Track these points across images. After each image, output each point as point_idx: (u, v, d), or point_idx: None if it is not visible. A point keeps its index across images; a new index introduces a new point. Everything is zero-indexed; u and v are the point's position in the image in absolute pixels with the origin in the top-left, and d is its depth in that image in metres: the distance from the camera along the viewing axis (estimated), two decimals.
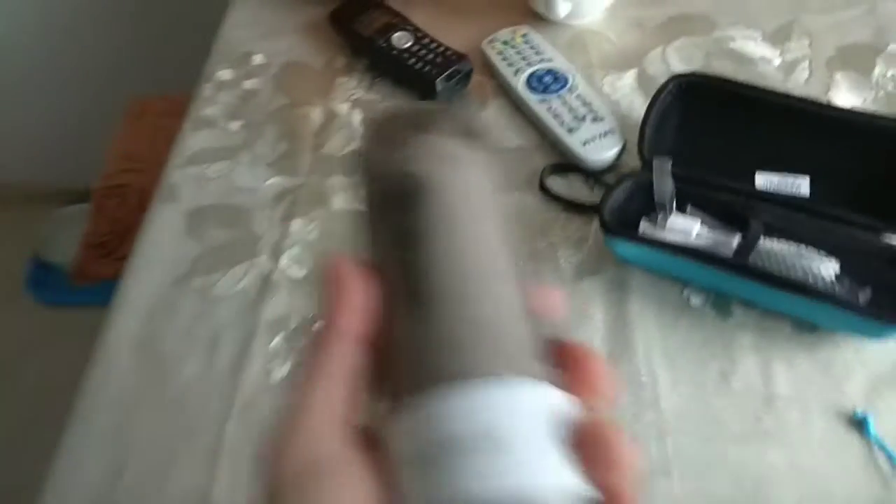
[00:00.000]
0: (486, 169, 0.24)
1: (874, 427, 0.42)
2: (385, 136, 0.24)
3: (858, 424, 0.43)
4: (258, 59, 0.70)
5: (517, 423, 0.19)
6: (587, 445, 0.19)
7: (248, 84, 0.68)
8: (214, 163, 0.62)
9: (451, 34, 0.65)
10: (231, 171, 0.61)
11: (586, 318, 0.49)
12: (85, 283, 1.17)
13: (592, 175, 0.56)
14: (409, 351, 0.21)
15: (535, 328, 0.22)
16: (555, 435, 0.19)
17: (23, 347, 1.53)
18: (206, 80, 0.69)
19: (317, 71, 0.68)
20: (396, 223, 0.23)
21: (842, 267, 0.45)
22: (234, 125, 0.65)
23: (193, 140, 0.64)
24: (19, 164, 1.63)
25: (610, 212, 0.49)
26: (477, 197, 0.23)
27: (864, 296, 0.44)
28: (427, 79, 0.61)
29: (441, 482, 0.18)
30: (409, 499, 0.19)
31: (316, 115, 0.64)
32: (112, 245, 1.14)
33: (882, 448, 0.42)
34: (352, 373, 0.22)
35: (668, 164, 0.51)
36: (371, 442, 0.21)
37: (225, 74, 0.69)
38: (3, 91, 1.46)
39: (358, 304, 0.22)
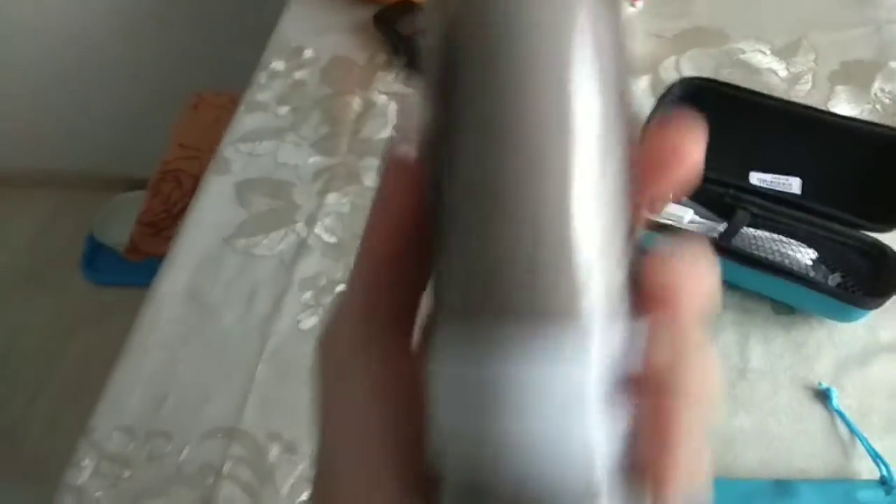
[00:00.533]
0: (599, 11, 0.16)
1: (838, 400, 0.46)
2: None
3: (823, 397, 0.47)
4: (308, 52, 0.77)
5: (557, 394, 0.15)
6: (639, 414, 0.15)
7: (298, 74, 0.75)
8: (263, 141, 0.69)
9: None
10: (277, 149, 0.68)
11: None
12: (137, 258, 1.26)
13: None
14: (449, 269, 0.16)
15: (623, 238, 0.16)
16: (601, 403, 0.15)
17: (74, 324, 1.62)
18: (262, 70, 0.77)
19: (360, 65, 0.75)
20: (442, 98, 0.17)
21: (818, 256, 0.50)
22: (283, 109, 0.72)
23: (246, 121, 0.72)
24: (85, 152, 1.75)
25: None
26: (570, 55, 0.15)
27: (834, 281, 0.48)
28: None
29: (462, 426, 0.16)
30: (433, 427, 0.16)
31: (356, 103, 0.71)
32: (164, 224, 1.23)
33: (842, 418, 0.46)
34: (385, 291, 0.18)
35: None
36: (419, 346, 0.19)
37: (278, 65, 0.77)
38: (76, 85, 1.58)
39: (399, 213, 0.18)
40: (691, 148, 0.16)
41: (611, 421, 0.15)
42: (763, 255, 0.49)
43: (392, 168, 0.18)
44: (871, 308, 0.46)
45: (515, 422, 0.15)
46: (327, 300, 0.56)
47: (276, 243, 0.61)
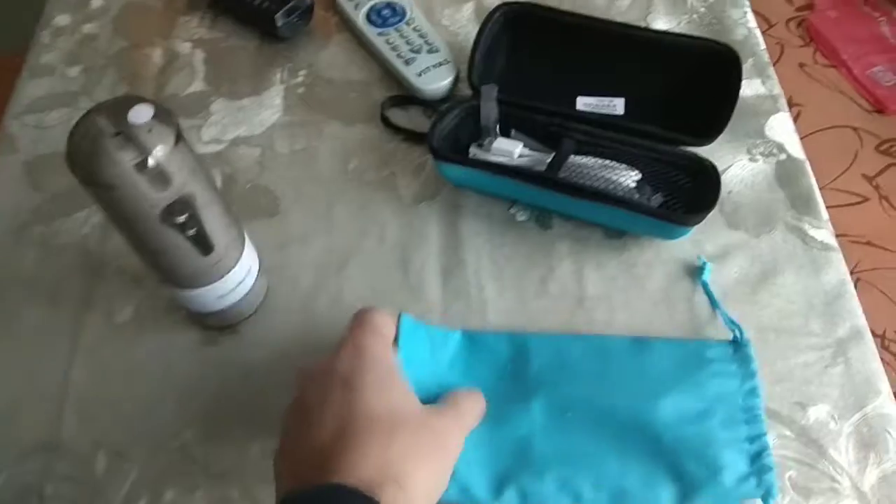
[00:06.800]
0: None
1: None
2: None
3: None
4: (96, 2, 0.68)
5: None
6: None
7: (87, 28, 0.66)
8: (53, 110, 0.61)
9: None
10: (71, 118, 0.60)
11: (423, 239, 0.52)
12: None
13: (430, 105, 0.58)
14: None
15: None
16: None
17: None
18: (43, 28, 0.67)
19: (157, 11, 0.67)
20: None
21: (643, 177, 0.49)
22: (73, 70, 0.63)
23: (31, 88, 0.63)
24: None
25: (439, 138, 0.52)
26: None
27: (657, 201, 0.49)
28: (267, 15, 0.61)
29: None
30: None
31: (157, 56, 0.63)
32: None
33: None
34: None
35: (494, 91, 0.53)
36: None
37: (62, 20, 0.67)
38: None
39: None
40: None
41: None
42: (589, 182, 0.49)
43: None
44: (691, 224, 0.46)
45: None
46: (140, 290, 0.51)
47: (79, 226, 0.54)
